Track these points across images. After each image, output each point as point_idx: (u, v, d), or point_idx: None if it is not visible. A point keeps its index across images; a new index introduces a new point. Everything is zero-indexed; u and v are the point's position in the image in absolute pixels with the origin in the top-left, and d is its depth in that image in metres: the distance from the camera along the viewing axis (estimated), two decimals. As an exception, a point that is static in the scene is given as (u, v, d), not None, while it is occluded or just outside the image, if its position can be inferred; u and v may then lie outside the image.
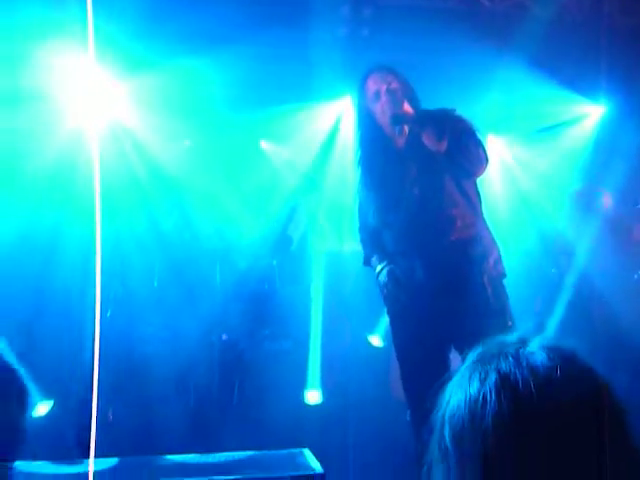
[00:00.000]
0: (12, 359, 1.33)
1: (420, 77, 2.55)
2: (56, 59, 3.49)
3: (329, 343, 4.57)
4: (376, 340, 4.33)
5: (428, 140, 2.24)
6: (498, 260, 2.29)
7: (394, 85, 2.34)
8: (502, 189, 4.87)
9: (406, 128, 2.25)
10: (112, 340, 3.77)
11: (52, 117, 3.92)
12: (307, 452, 2.27)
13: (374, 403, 3.97)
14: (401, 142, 2.32)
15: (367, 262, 2.42)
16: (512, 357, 0.74)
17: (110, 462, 2.25)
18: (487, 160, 2.27)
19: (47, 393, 3.71)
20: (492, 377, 0.72)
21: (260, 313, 4.41)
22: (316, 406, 4.15)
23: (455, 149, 2.22)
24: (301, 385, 4.24)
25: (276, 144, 5.00)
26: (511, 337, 0.79)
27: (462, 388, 0.75)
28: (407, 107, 2.28)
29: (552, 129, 4.88)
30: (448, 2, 4.00)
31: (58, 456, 2.27)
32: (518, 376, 0.71)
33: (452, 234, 2.23)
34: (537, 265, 4.58)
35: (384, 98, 2.32)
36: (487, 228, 2.33)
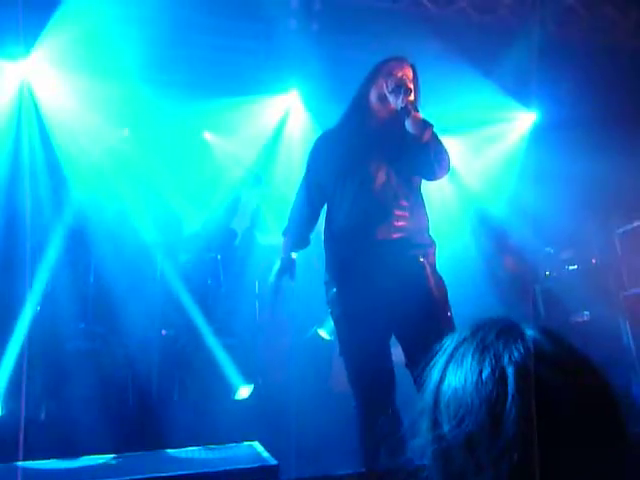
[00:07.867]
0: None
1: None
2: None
3: (271, 338, 4.55)
4: (324, 333, 4.36)
5: (414, 128, 2.22)
6: (435, 251, 2.36)
7: (413, 84, 2.33)
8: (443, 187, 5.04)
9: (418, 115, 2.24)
10: (41, 337, 3.59)
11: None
12: (257, 445, 2.26)
13: (316, 396, 4.00)
14: (384, 119, 2.32)
15: (298, 245, 2.47)
16: (521, 342, 0.69)
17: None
18: (449, 168, 2.32)
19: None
20: (505, 364, 0.67)
21: (203, 308, 4.32)
22: (259, 401, 4.12)
23: (432, 150, 2.23)
24: (242, 380, 4.20)
25: (220, 136, 4.92)
26: (499, 318, 0.74)
27: (463, 368, 0.70)
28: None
29: (489, 133, 5.11)
30: (395, 4, 4.08)
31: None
32: (542, 369, 0.66)
33: (397, 223, 2.27)
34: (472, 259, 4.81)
35: (404, 93, 2.24)
36: (427, 221, 2.39)
